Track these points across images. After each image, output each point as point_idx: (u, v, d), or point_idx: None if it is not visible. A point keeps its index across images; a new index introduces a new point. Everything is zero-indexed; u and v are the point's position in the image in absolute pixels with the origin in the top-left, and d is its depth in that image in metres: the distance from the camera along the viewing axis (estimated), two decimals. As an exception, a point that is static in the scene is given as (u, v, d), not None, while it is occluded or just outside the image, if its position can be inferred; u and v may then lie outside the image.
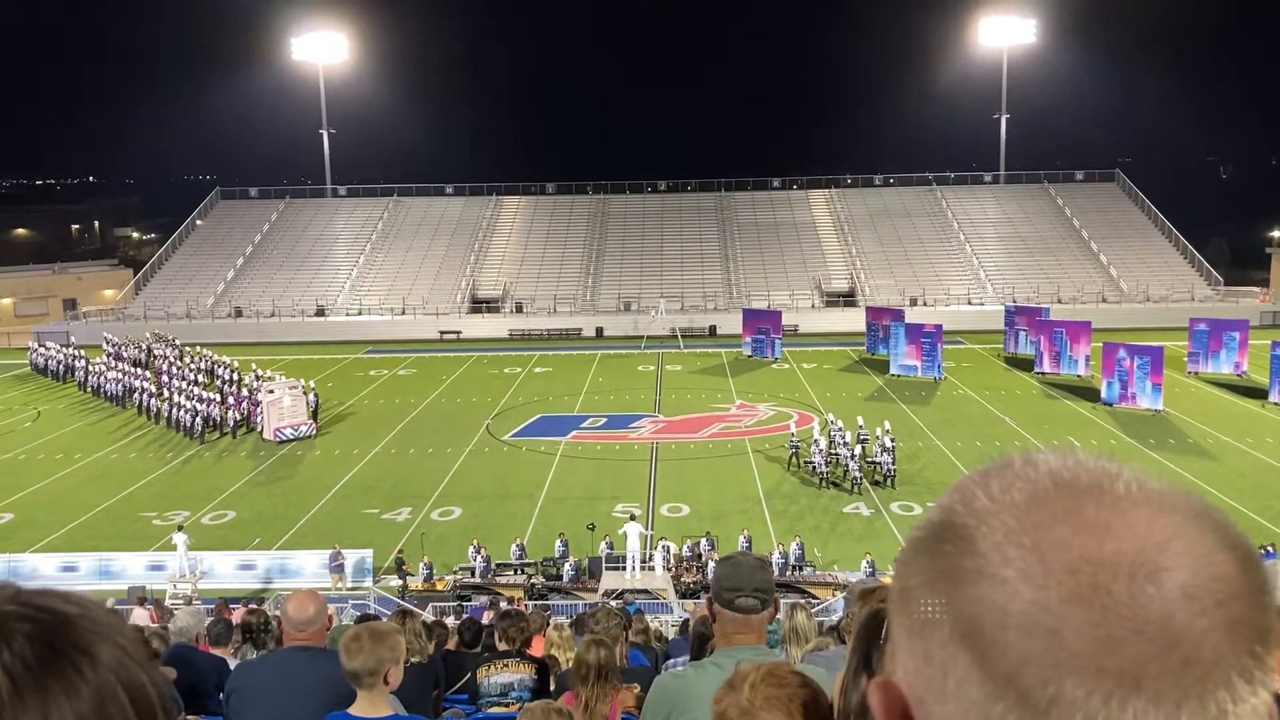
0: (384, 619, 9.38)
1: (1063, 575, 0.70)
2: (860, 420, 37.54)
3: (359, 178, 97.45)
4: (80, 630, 0.81)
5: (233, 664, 7.12)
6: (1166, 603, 0.68)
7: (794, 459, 35.60)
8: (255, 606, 12.52)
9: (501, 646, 7.82)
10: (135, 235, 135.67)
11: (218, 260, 75.59)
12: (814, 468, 34.29)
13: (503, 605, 21.31)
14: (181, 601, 23.17)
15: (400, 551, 27.95)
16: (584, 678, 5.53)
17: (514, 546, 27.99)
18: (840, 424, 37.15)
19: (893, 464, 33.91)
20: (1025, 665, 0.69)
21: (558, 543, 27.99)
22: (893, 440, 34.84)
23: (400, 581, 26.99)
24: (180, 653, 7.17)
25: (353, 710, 4.31)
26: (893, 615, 0.82)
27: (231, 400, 43.68)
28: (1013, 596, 0.71)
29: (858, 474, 33.35)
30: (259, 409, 41.47)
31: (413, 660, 6.44)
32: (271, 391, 41.39)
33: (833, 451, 34.84)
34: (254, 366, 49.36)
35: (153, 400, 44.50)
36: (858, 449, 34.35)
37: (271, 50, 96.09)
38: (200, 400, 42.25)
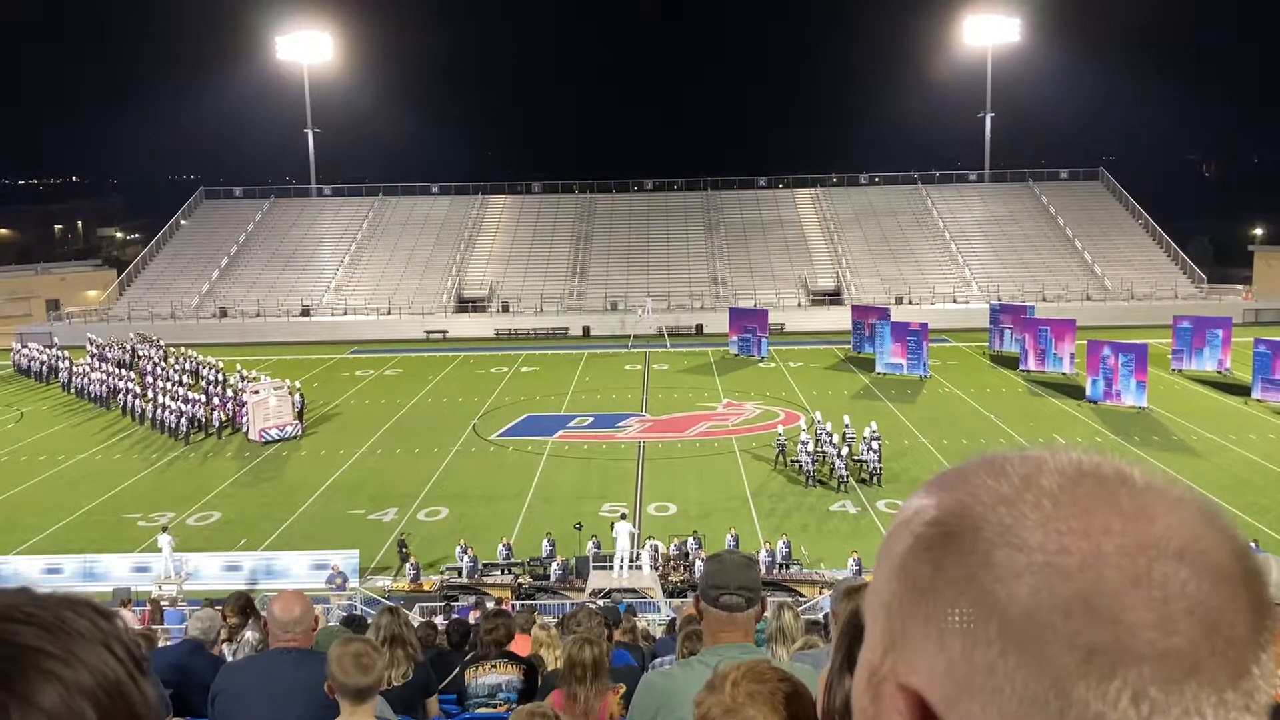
0: (369, 619, 9.35)
1: (1120, 559, 0.69)
2: (846, 419, 37.62)
3: (344, 177, 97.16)
4: (28, 669, 0.74)
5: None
6: (1210, 584, 0.69)
7: (780, 457, 35.66)
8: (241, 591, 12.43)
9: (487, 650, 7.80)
10: (119, 235, 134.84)
11: (202, 260, 75.22)
12: (800, 466, 34.35)
13: (488, 605, 21.28)
14: (167, 602, 23.08)
15: (404, 535, 28.32)
16: (579, 677, 5.52)
17: (500, 546, 27.98)
18: (828, 425, 37.21)
19: (879, 462, 33.99)
20: (1093, 656, 0.67)
21: (545, 542, 27.99)
22: (878, 439, 34.92)
23: (413, 571, 27.03)
24: (189, 649, 7.14)
25: None
26: (899, 617, 0.77)
27: (216, 401, 43.48)
28: (1071, 584, 0.69)
29: (844, 472, 33.43)
30: (244, 409, 41.32)
31: (395, 680, 6.41)
32: (257, 392, 41.24)
33: (819, 450, 34.90)
34: (238, 367, 49.19)
35: (137, 401, 44.26)
36: (844, 448, 34.44)
37: (256, 49, 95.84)
38: (185, 401, 42.04)
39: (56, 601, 0.81)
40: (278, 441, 40.20)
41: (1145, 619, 0.67)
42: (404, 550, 27.82)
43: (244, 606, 8.88)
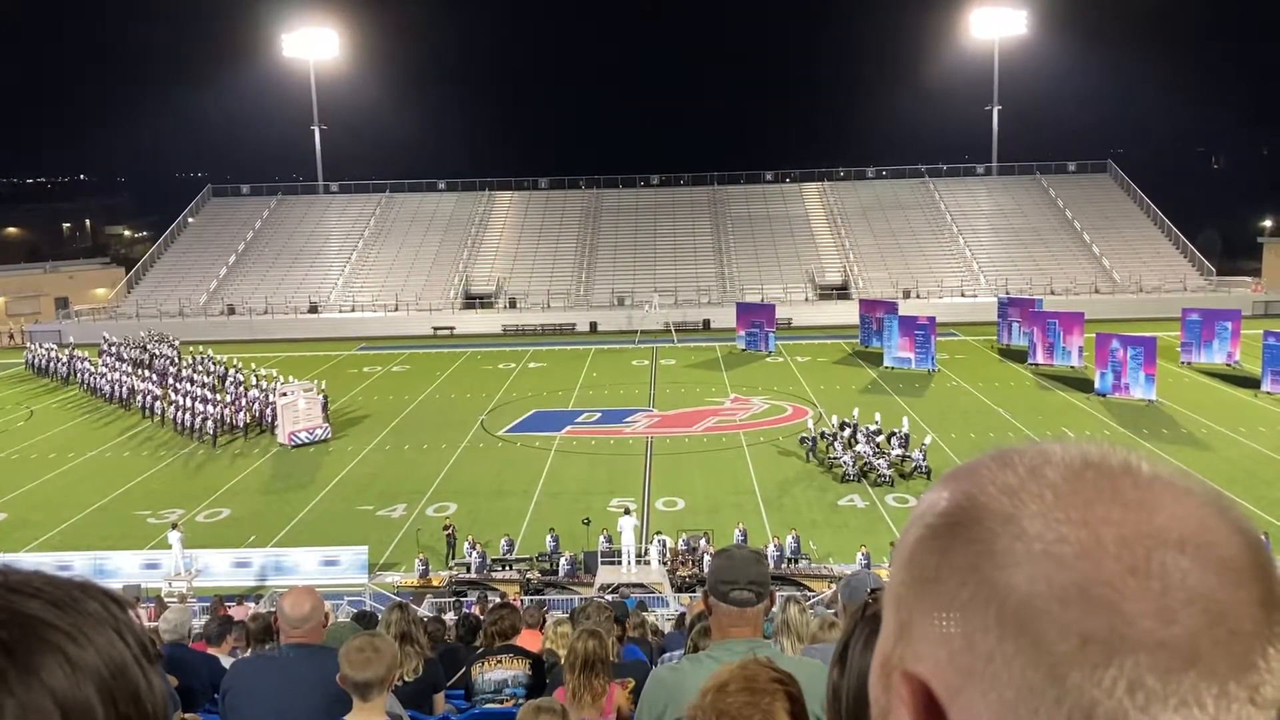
0: (379, 614, 9.36)
1: (1118, 549, 0.69)
2: (877, 416, 37.20)
3: (351, 174, 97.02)
4: (33, 641, 0.75)
5: (226, 662, 7.09)
6: (1214, 575, 0.69)
7: (811, 454, 35.38)
8: (259, 611, 12.48)
9: (491, 641, 7.82)
10: (127, 233, 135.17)
11: (210, 258, 75.41)
12: (830, 463, 34.25)
13: (489, 599, 21.26)
14: (176, 599, 23.14)
15: (448, 524, 28.74)
16: (581, 669, 5.53)
17: (503, 541, 28.03)
18: (858, 422, 36.90)
19: (924, 460, 33.44)
20: (1088, 644, 0.67)
21: (548, 538, 27.97)
22: (896, 432, 34.84)
23: (479, 560, 27.21)
24: (169, 651, 7.15)
25: (350, 718, 4.30)
26: (907, 606, 0.78)
27: (241, 401, 42.86)
28: (1068, 572, 0.69)
29: (886, 471, 33.15)
30: (270, 411, 40.63)
31: (406, 675, 6.42)
32: (285, 394, 39.96)
33: (853, 448, 34.66)
34: (272, 370, 48.61)
35: (157, 402, 44.08)
36: (872, 442, 34.39)
37: (262, 47, 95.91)
38: (203, 401, 41.81)
39: (69, 582, 0.82)
40: (308, 445, 39.39)
41: (1143, 608, 0.67)
42: (451, 544, 28.16)
43: (250, 634, 8.78)
